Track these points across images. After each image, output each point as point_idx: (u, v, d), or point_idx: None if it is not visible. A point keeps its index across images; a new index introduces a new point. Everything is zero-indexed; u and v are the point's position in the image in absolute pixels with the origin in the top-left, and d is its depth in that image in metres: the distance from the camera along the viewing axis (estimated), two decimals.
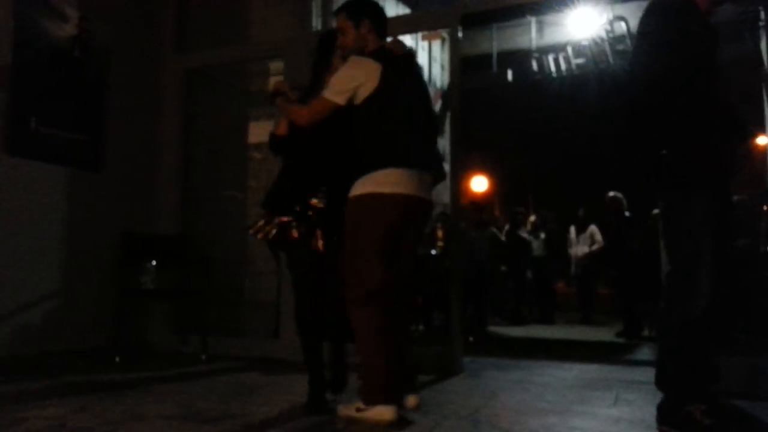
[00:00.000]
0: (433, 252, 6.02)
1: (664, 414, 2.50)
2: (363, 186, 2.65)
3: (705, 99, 2.46)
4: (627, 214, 7.08)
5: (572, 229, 8.83)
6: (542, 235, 9.12)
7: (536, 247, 9.00)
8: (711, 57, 2.50)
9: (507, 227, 9.05)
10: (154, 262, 4.36)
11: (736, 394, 2.90)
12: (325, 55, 2.99)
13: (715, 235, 2.41)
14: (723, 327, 2.94)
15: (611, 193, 7.18)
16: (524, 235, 8.96)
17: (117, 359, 4.04)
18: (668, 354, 2.54)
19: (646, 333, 6.74)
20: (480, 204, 7.91)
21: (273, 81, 3.05)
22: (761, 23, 3.95)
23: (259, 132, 5.31)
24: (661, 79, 2.45)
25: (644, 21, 2.58)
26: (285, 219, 2.84)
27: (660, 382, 2.55)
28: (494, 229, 8.44)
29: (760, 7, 3.95)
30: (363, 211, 2.64)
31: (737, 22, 4.45)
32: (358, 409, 2.58)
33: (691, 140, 2.44)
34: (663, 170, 2.50)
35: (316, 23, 5.20)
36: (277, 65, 5.16)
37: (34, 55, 4.09)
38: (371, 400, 2.55)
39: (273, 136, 3.02)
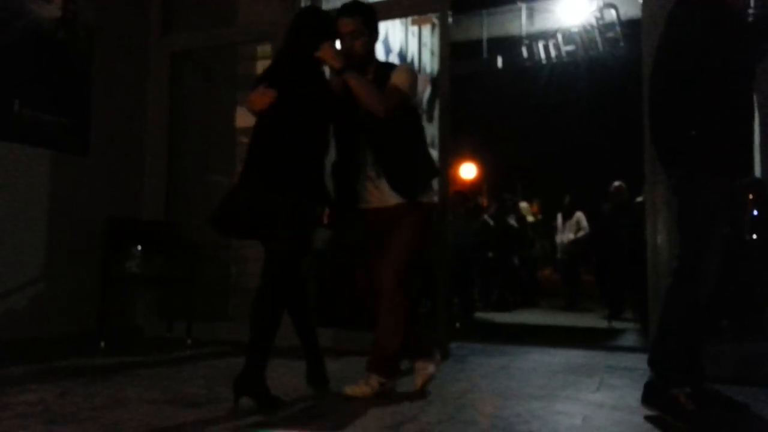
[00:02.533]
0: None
1: (650, 393, 2.53)
2: (429, 196, 2.91)
3: (737, 92, 2.51)
4: (639, 199, 7.10)
5: (559, 216, 8.88)
6: (513, 222, 9.15)
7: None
8: (743, 52, 2.51)
9: (492, 210, 9.07)
10: (139, 248, 4.33)
11: (724, 379, 2.93)
12: (318, 35, 2.72)
13: (724, 222, 2.50)
14: (714, 314, 2.98)
15: (617, 183, 7.18)
16: (512, 222, 8.99)
17: (102, 344, 4.01)
18: (667, 335, 2.57)
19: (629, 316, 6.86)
20: (466, 194, 7.92)
21: (329, 51, 2.67)
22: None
23: (246, 116, 5.25)
24: (690, 70, 2.50)
25: (674, 13, 2.61)
26: None
27: (653, 363, 2.59)
28: (486, 217, 8.46)
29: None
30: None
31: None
32: (382, 385, 2.76)
33: (719, 127, 2.47)
34: (688, 151, 2.53)
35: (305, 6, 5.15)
36: (265, 49, 5.10)
37: (18, 37, 4.02)
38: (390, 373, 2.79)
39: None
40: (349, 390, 2.77)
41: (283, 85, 2.65)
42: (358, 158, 2.88)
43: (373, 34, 2.89)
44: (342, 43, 2.79)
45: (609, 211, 7.26)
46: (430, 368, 2.90)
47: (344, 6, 2.87)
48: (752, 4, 2.83)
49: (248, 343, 2.60)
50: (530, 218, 9.37)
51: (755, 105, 2.67)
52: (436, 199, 2.97)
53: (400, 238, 2.76)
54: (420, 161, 2.90)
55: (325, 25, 2.80)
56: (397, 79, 2.77)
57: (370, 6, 2.94)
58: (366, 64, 2.84)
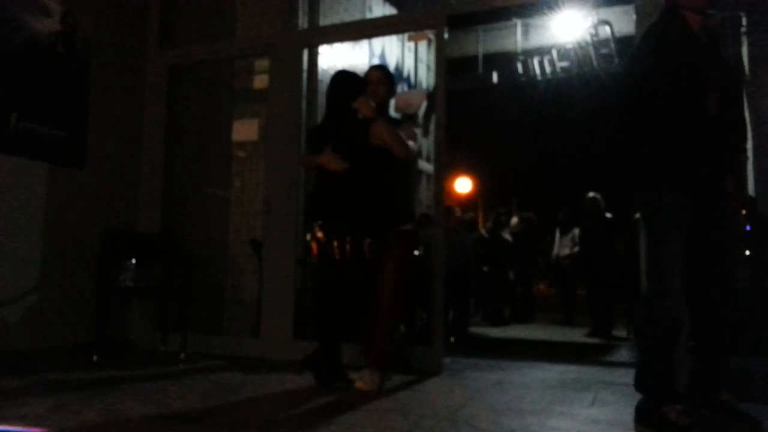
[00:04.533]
0: (416, 253, 6.02)
1: (641, 414, 2.54)
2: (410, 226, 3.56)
3: (687, 110, 2.55)
4: (608, 215, 7.14)
5: (557, 231, 8.89)
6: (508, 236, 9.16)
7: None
8: (696, 70, 2.56)
9: (489, 225, 9.09)
10: (134, 260, 4.32)
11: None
12: (351, 94, 3.46)
13: (690, 239, 2.52)
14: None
15: (590, 194, 7.25)
16: (507, 236, 9.00)
17: (95, 358, 4.00)
18: (645, 354, 2.62)
19: (618, 334, 6.88)
20: (453, 208, 7.94)
21: (364, 102, 3.41)
22: (743, 29, 4.00)
23: (243, 130, 5.29)
24: (635, 86, 2.64)
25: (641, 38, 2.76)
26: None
27: (638, 384, 2.60)
28: (482, 231, 8.47)
29: (742, 13, 4.01)
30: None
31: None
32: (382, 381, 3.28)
33: (667, 147, 2.56)
34: (639, 174, 2.66)
35: (303, 22, 5.20)
36: (262, 63, 5.14)
37: (16, 50, 4.05)
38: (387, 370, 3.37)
39: (361, 145, 3.41)
40: (360, 384, 3.23)
41: (341, 139, 3.41)
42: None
43: (392, 88, 3.71)
44: (370, 88, 3.51)
45: (590, 225, 7.31)
46: (373, 382, 3.26)
47: (374, 65, 4.11)
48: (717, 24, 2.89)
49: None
50: (508, 236, 9.34)
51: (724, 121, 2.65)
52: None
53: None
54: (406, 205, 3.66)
55: (357, 82, 3.56)
56: (410, 132, 3.49)
57: (390, 71, 3.92)
58: (382, 110, 3.55)
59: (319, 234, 3.34)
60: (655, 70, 2.58)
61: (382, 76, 3.61)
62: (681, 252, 2.52)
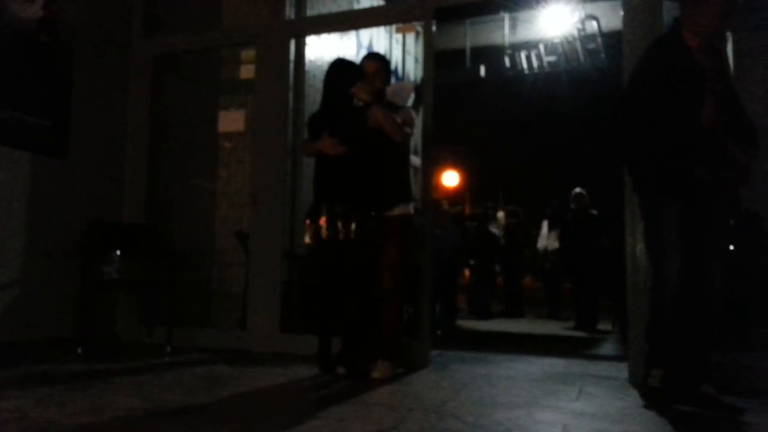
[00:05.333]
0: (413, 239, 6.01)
1: (674, 393, 2.81)
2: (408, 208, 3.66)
3: (680, 122, 2.76)
4: (593, 211, 7.19)
5: (544, 224, 8.92)
6: (495, 230, 9.20)
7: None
8: (692, 86, 2.78)
9: (474, 224, 9.12)
10: (119, 252, 4.28)
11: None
12: (348, 81, 3.53)
13: (686, 236, 2.76)
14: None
15: (576, 190, 7.29)
16: (494, 230, 9.03)
17: (79, 350, 3.96)
18: (662, 340, 2.88)
19: (601, 327, 6.94)
20: (441, 201, 7.96)
21: (361, 89, 3.49)
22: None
23: (229, 121, 5.24)
24: (634, 99, 2.92)
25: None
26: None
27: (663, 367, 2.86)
28: (468, 225, 8.49)
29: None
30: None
31: None
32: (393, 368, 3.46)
33: (660, 156, 2.81)
34: (634, 177, 2.99)
35: (290, 12, 5.16)
36: (249, 53, 5.09)
37: None
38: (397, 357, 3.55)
39: (359, 130, 3.45)
40: (377, 374, 3.36)
41: (339, 124, 3.46)
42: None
43: (388, 77, 3.82)
44: (367, 80, 3.56)
45: (572, 221, 7.36)
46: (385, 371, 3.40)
47: (370, 53, 4.05)
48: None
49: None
50: (496, 230, 9.37)
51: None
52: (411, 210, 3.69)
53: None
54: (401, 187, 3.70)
55: (354, 69, 3.63)
56: (407, 116, 3.64)
57: (386, 58, 3.98)
58: (381, 99, 3.62)
59: (322, 218, 3.39)
60: (650, 86, 2.83)
61: (378, 68, 3.68)
62: (679, 247, 2.76)
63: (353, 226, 3.35)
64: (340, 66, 3.68)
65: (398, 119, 3.54)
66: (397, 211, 3.59)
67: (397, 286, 3.53)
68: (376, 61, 3.76)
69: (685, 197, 2.79)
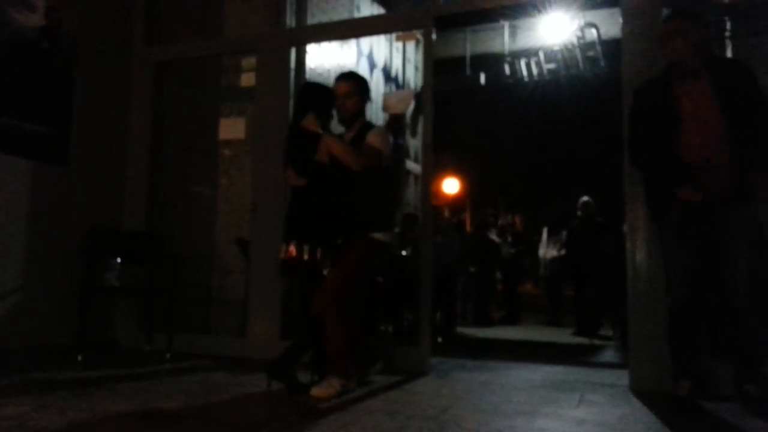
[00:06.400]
0: (404, 253, 6.03)
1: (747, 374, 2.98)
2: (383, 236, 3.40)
3: (660, 154, 3.03)
4: (599, 219, 7.23)
5: (545, 231, 8.92)
6: (494, 237, 9.20)
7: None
8: (665, 114, 3.02)
9: (473, 230, 9.13)
10: (119, 260, 4.28)
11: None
12: (315, 107, 3.40)
13: (688, 250, 2.97)
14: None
15: (584, 198, 7.30)
16: (493, 237, 9.02)
17: (80, 357, 3.96)
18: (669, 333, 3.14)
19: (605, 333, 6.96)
20: (442, 209, 7.98)
21: (309, 121, 3.38)
22: (727, 33, 4.04)
23: (229, 128, 5.25)
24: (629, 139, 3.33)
25: None
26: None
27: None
28: (469, 232, 8.49)
29: (726, 17, 4.04)
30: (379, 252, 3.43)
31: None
32: (344, 385, 3.17)
33: (654, 183, 3.14)
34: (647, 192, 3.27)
35: (290, 20, 5.17)
36: (249, 60, 5.11)
37: (0, 45, 3.99)
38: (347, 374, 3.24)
39: (311, 162, 3.33)
40: (315, 391, 3.08)
41: (297, 155, 3.39)
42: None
43: (364, 96, 3.56)
44: (336, 102, 3.46)
45: (577, 228, 7.39)
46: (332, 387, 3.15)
47: (341, 74, 3.65)
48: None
49: None
50: (494, 237, 9.37)
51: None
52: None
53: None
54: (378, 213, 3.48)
55: (323, 92, 3.52)
56: (373, 139, 3.37)
57: (362, 76, 3.68)
58: (355, 120, 3.49)
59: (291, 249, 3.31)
60: (632, 121, 3.25)
61: (348, 89, 3.48)
62: (689, 253, 2.96)
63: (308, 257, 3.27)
64: (306, 91, 3.63)
65: (368, 143, 3.37)
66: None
67: (337, 305, 3.22)
68: (345, 82, 3.53)
69: (679, 216, 2.97)
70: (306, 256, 3.25)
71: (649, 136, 3.09)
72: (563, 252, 8.31)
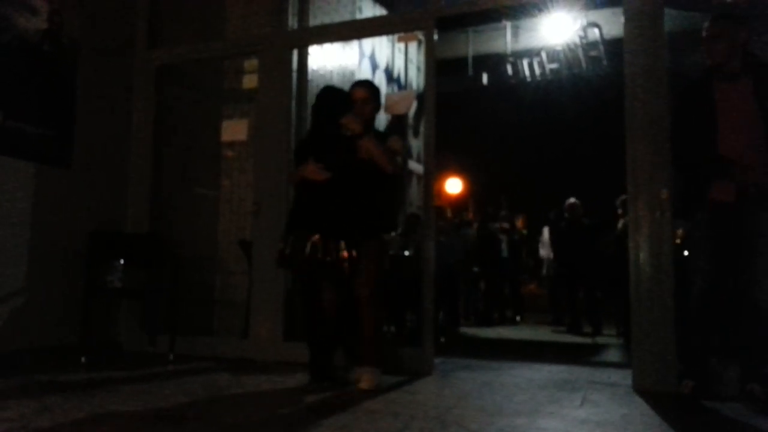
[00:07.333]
0: (406, 253, 6.03)
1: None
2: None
3: (699, 152, 3.09)
4: (585, 220, 7.31)
5: (545, 231, 8.91)
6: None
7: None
8: (705, 116, 3.08)
9: (476, 225, 9.13)
10: (122, 261, 4.29)
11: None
12: (336, 109, 3.52)
13: (715, 247, 3.06)
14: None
15: (571, 200, 7.37)
16: (501, 225, 8.99)
17: (83, 359, 3.96)
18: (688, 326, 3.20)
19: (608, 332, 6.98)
20: (444, 209, 7.98)
21: (351, 119, 3.46)
22: None
23: (232, 130, 5.26)
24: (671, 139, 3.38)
25: None
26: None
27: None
28: (471, 231, 8.49)
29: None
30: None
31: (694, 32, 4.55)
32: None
33: (690, 183, 3.22)
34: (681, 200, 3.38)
35: (292, 22, 5.18)
36: (252, 63, 5.12)
37: (3, 48, 4.00)
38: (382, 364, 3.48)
39: (349, 159, 3.42)
40: (365, 384, 3.31)
41: (326, 153, 3.45)
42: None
43: (377, 105, 3.72)
44: (355, 107, 3.55)
45: (565, 229, 7.47)
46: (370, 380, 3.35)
47: (359, 80, 3.95)
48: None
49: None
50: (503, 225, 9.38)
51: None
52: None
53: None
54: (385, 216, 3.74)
55: (342, 96, 3.63)
56: (396, 144, 3.59)
57: (377, 86, 3.84)
58: (370, 128, 3.61)
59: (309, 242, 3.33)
60: (678, 124, 3.30)
61: (366, 95, 3.64)
62: (716, 250, 3.05)
63: (340, 249, 3.35)
64: (328, 94, 3.69)
65: (390, 148, 3.55)
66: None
67: (377, 297, 3.47)
68: (364, 88, 3.70)
69: (711, 213, 3.06)
70: (335, 253, 3.33)
71: (689, 136, 3.16)
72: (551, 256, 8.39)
